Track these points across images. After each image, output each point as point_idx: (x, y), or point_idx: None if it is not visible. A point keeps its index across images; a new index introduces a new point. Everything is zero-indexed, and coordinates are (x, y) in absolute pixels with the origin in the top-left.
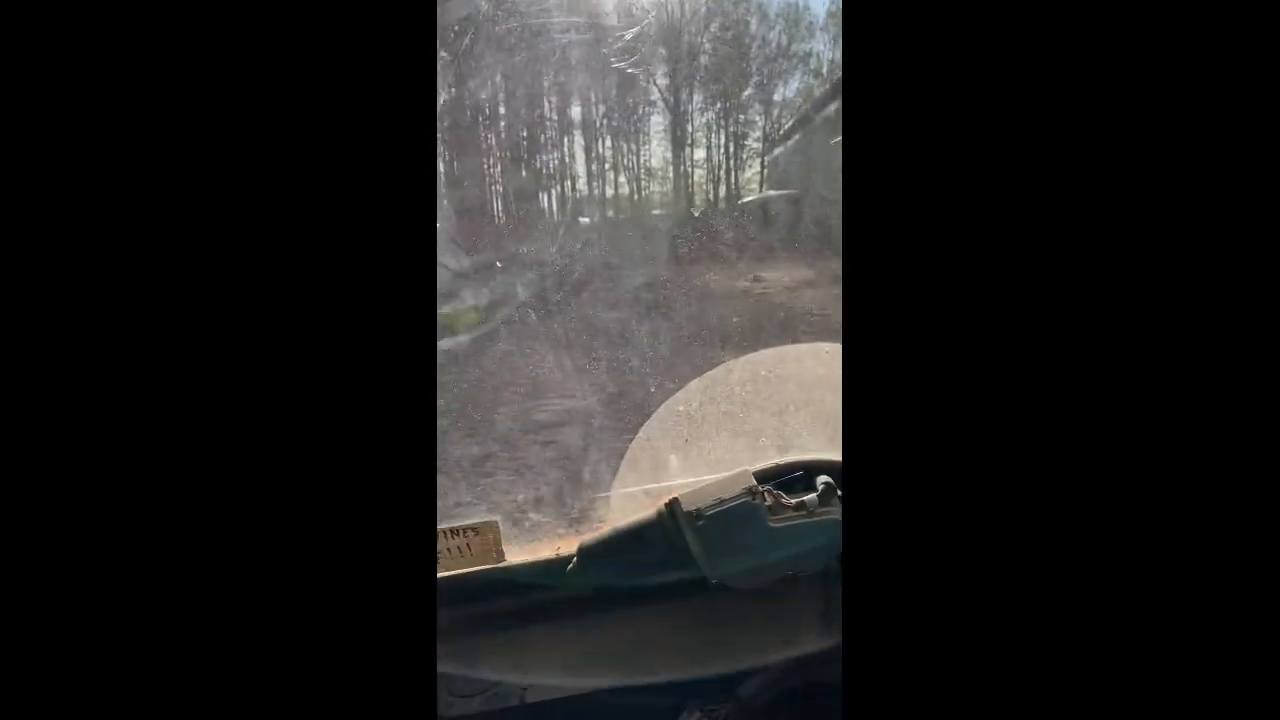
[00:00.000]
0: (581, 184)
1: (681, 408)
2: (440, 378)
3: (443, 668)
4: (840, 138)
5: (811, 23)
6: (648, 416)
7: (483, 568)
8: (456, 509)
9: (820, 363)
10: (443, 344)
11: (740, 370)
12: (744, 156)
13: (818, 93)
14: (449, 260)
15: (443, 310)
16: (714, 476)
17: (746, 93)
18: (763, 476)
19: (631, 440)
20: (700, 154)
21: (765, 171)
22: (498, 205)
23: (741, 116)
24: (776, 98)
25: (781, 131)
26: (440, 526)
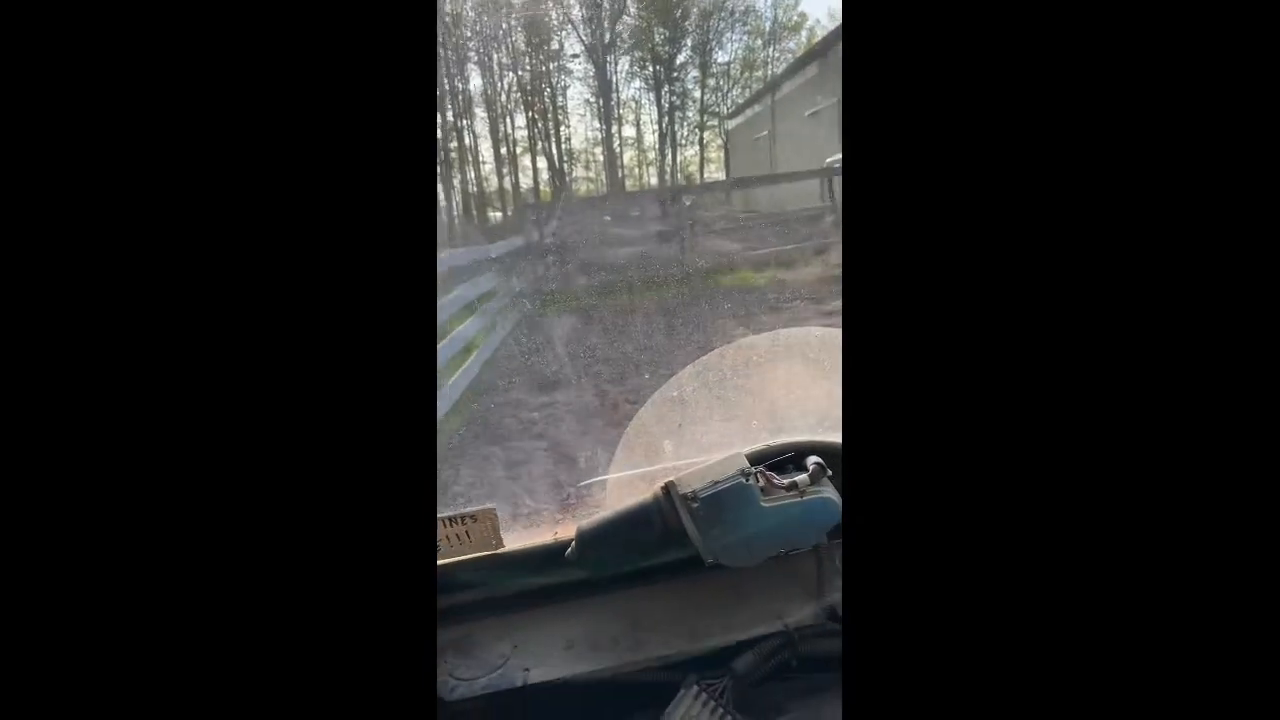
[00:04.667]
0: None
1: (675, 393)
2: None
3: (443, 654)
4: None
5: None
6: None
7: (482, 554)
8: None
9: (810, 347)
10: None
11: (733, 355)
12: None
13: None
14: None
15: None
16: (707, 460)
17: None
18: (755, 458)
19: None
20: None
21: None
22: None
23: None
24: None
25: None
26: (439, 515)
